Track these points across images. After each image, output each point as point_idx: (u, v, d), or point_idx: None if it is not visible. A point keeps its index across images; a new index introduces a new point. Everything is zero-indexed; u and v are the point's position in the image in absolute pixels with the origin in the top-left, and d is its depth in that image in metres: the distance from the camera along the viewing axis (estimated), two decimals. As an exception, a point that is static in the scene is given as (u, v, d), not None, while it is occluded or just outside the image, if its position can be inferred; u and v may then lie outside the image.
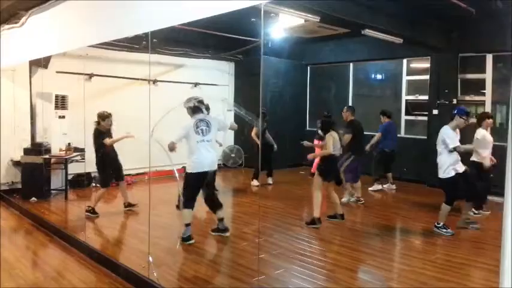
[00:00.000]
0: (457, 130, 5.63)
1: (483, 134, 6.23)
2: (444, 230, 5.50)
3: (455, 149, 5.34)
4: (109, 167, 6.38)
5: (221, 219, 5.28)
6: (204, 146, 5.00)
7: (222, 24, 8.05)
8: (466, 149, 5.64)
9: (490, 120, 6.49)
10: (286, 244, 5.09)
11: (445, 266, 4.43)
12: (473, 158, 6.23)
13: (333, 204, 6.05)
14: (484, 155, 6.21)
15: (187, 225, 5.01)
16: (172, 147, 4.87)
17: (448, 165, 5.41)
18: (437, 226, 5.57)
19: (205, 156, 4.99)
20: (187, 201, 5.01)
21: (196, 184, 5.05)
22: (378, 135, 8.06)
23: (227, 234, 5.29)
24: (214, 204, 5.29)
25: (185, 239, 4.97)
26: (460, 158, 5.52)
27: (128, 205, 6.55)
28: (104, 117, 6.21)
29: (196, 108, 5.13)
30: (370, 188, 8.18)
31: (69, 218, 6.49)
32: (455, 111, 5.61)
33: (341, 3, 6.08)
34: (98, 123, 6.23)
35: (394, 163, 8.35)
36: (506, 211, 1.84)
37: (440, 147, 5.49)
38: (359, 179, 7.23)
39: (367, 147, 7.92)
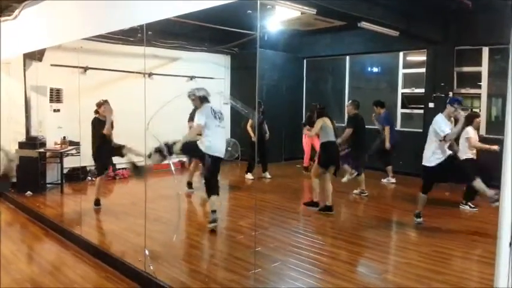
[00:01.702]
0: (452, 119, 5.60)
1: (467, 132, 6.22)
2: (418, 219, 5.60)
3: (445, 138, 5.25)
4: (106, 156, 6.38)
5: (213, 211, 5.21)
6: (221, 132, 5.22)
7: (217, 17, 8.00)
8: (455, 133, 5.43)
9: (479, 119, 6.54)
10: (283, 237, 5.10)
11: (441, 258, 4.45)
12: (464, 157, 6.18)
13: (325, 194, 6.04)
14: (470, 152, 6.25)
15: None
16: (198, 131, 5.09)
17: (432, 154, 5.39)
18: (415, 214, 5.64)
19: (221, 142, 5.21)
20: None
21: (216, 167, 5.19)
22: (387, 129, 8.00)
23: (212, 225, 5.19)
24: (211, 188, 5.22)
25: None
26: (446, 149, 5.42)
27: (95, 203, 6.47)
28: (99, 105, 6.21)
29: (205, 98, 5.29)
30: (383, 180, 8.23)
31: (65, 212, 6.47)
32: (448, 100, 5.67)
33: (337, -4, 6.07)
34: (96, 112, 6.23)
35: (391, 156, 8.37)
36: (503, 204, 1.84)
37: (430, 136, 5.46)
38: (363, 172, 7.25)
39: (387, 144, 7.95)
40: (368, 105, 8.40)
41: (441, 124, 5.34)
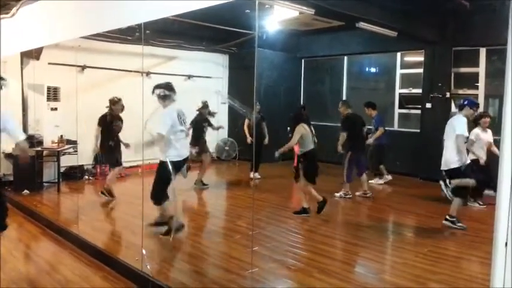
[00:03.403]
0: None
1: (476, 133, 6.30)
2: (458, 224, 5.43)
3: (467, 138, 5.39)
4: (117, 150, 6.56)
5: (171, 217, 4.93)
6: (183, 136, 4.99)
7: (216, 16, 8.00)
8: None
9: (487, 119, 6.52)
10: (280, 237, 5.11)
11: (438, 258, 4.46)
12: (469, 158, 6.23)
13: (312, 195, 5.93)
14: (480, 154, 6.23)
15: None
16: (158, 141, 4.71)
17: (456, 156, 5.36)
18: (448, 219, 5.46)
19: (184, 146, 5.01)
20: (163, 192, 4.76)
21: (174, 172, 4.78)
22: (381, 130, 8.00)
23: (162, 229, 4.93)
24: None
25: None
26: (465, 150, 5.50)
27: (108, 193, 6.56)
28: (114, 103, 6.35)
29: (168, 96, 4.86)
30: (370, 181, 8.20)
31: (61, 211, 6.46)
32: (466, 102, 5.58)
33: (336, -4, 6.07)
34: (110, 108, 6.34)
35: (387, 156, 8.38)
36: (499, 205, 1.85)
37: (450, 137, 5.38)
38: (364, 172, 7.24)
39: (370, 140, 7.92)
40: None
41: (463, 122, 5.38)
